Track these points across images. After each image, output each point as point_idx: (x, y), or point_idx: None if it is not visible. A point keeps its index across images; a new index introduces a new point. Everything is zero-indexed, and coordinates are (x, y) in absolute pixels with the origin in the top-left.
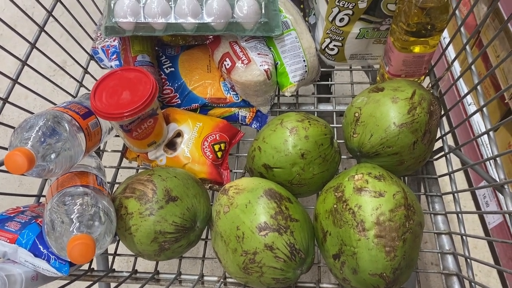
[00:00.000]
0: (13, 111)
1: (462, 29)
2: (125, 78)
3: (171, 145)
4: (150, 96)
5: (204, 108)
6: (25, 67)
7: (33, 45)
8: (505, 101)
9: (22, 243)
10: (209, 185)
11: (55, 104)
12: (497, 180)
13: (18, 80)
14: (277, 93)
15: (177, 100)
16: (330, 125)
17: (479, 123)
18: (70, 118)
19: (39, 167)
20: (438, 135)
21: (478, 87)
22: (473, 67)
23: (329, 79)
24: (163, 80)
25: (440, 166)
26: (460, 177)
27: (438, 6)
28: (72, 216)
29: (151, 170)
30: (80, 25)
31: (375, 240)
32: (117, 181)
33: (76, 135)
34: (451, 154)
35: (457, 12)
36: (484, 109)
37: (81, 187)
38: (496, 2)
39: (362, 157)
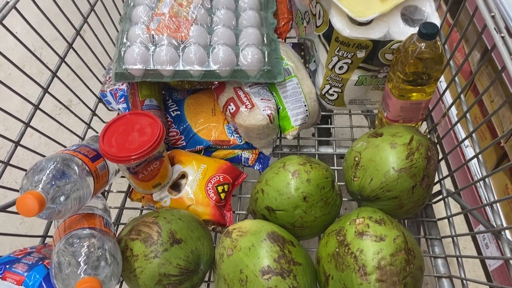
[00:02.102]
0: (18, 149)
1: (456, 78)
2: (133, 121)
3: (176, 187)
4: (157, 139)
5: (208, 150)
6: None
7: (45, 90)
8: (501, 145)
9: (29, 285)
10: (212, 226)
11: (61, 144)
12: (495, 225)
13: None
14: (279, 136)
15: (182, 142)
16: (331, 167)
17: (476, 165)
18: (81, 162)
19: (49, 209)
20: (436, 179)
21: (473, 134)
22: (468, 115)
23: (329, 120)
24: (169, 123)
25: (440, 207)
26: (459, 217)
27: (433, 57)
28: (79, 259)
29: (156, 212)
30: (89, 69)
31: (376, 285)
32: (121, 221)
33: (85, 177)
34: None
35: (451, 62)
36: (480, 155)
37: (88, 229)
38: (489, 53)
39: (363, 201)
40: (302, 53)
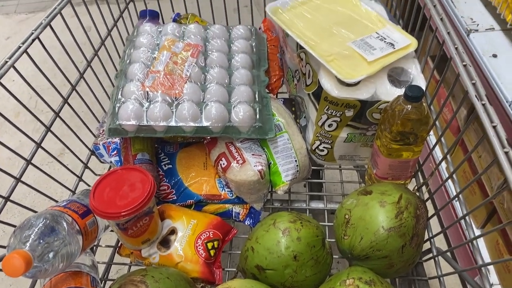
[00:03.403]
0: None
1: (443, 138)
2: (124, 177)
3: (165, 243)
4: (148, 196)
5: (199, 204)
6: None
7: (38, 145)
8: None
9: None
10: (201, 285)
11: (51, 198)
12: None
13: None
14: (270, 190)
15: (173, 196)
16: (322, 223)
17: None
18: (71, 220)
19: (35, 268)
20: (426, 237)
21: (460, 195)
22: (454, 175)
23: (320, 173)
24: (161, 177)
25: (432, 263)
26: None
27: (419, 117)
28: None
29: (144, 270)
30: (82, 121)
31: None
32: (109, 277)
33: (75, 235)
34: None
35: (437, 122)
36: (467, 217)
37: None
38: (472, 117)
39: (353, 260)
40: (293, 109)
